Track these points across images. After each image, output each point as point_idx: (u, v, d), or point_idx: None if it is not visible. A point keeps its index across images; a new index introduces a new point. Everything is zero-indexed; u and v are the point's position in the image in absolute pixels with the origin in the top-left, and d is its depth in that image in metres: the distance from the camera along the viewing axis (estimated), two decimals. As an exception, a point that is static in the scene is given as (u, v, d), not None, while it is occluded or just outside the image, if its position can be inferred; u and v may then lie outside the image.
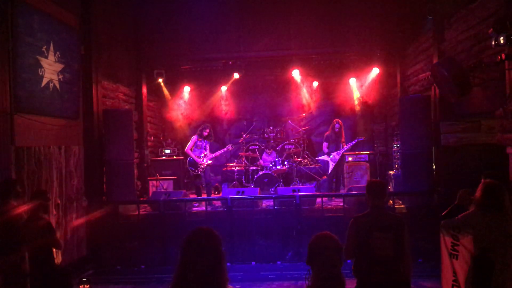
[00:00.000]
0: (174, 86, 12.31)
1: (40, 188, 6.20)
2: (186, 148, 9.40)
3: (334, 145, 9.57)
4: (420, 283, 6.34)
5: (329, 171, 9.55)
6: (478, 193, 3.83)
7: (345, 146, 9.45)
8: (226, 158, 12.15)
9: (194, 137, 9.37)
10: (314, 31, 10.70)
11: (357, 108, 12.42)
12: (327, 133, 9.83)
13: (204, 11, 10.64)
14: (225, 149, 9.52)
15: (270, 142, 11.44)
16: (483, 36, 6.46)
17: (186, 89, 12.49)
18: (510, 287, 3.62)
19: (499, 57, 5.43)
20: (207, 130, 9.30)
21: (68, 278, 4.85)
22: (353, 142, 9.52)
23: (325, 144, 9.77)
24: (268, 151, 11.03)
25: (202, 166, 9.16)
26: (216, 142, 12.71)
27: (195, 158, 9.16)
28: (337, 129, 9.58)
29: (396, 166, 10.02)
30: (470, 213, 3.86)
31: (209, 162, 9.26)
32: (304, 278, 2.75)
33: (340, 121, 9.74)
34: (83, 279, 4.57)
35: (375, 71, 11.37)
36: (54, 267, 4.61)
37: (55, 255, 4.68)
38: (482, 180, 3.97)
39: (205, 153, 9.21)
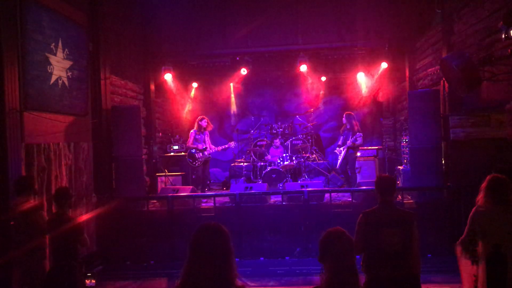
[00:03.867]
0: (182, 82, 12.33)
1: (62, 186, 6.28)
2: (187, 143, 9.65)
3: (343, 139, 9.64)
4: (429, 278, 6.30)
5: (338, 165, 9.72)
6: (483, 187, 3.80)
7: (348, 141, 9.40)
8: (233, 154, 12.17)
9: (192, 132, 9.58)
10: (321, 26, 10.65)
11: (366, 103, 12.36)
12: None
13: (211, 7, 10.65)
14: (226, 146, 9.61)
15: (278, 137, 11.43)
16: (493, 29, 6.38)
17: (194, 85, 12.53)
18: None
19: (509, 50, 5.39)
20: (203, 121, 9.40)
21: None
22: (353, 138, 9.45)
23: (339, 138, 9.91)
24: (276, 141, 11.02)
25: (201, 160, 9.24)
26: (224, 138, 12.73)
27: (194, 152, 9.42)
28: (344, 122, 9.68)
29: (405, 161, 9.96)
30: (474, 212, 3.81)
31: (208, 156, 9.35)
32: (320, 274, 2.68)
33: (347, 113, 9.79)
34: (88, 274, 4.56)
35: (383, 66, 11.29)
36: (77, 263, 4.59)
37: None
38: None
39: (205, 146, 9.31)
